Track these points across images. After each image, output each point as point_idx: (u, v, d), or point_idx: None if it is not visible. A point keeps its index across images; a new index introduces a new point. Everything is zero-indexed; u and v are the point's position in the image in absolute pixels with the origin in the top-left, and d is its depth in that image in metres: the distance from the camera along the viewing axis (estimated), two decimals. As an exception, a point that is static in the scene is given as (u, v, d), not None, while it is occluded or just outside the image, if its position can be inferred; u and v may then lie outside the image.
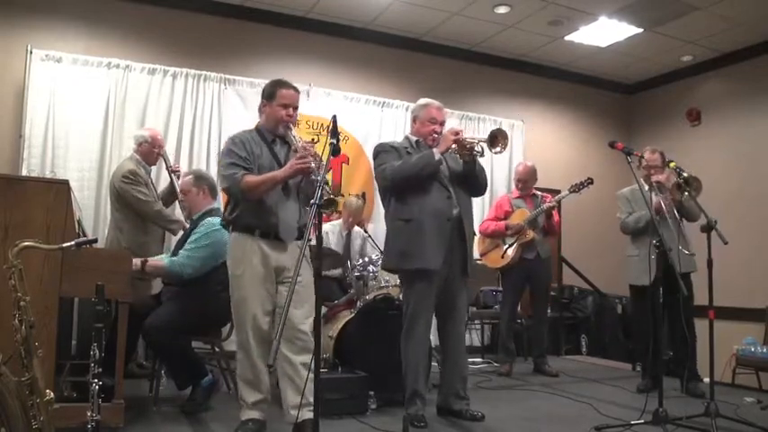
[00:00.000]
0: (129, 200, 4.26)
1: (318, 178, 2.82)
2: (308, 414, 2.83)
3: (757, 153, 6.55)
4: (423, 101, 3.59)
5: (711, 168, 6.49)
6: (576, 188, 5.06)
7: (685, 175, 3.76)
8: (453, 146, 3.34)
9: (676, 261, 3.90)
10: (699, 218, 3.96)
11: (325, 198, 2.39)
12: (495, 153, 3.39)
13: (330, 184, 4.81)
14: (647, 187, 4.09)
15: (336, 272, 4.88)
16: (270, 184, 2.90)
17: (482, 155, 3.40)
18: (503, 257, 4.97)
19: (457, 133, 3.35)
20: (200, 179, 3.82)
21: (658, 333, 3.67)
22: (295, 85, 3.12)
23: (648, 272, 3.73)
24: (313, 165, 2.81)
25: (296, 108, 3.08)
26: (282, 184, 2.94)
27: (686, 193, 3.72)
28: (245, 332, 2.92)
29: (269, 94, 3.07)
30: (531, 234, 4.91)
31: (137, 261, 3.40)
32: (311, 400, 2.79)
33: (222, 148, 3.10)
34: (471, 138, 3.41)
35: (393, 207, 3.44)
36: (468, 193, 3.54)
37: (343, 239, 5.11)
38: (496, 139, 3.32)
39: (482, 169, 3.54)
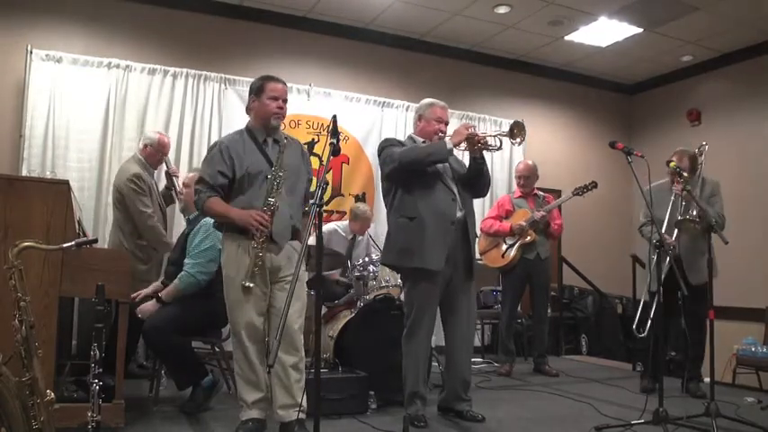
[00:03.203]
0: (128, 204, 4.25)
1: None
2: (294, 415, 2.85)
3: (758, 153, 6.55)
4: (428, 100, 3.58)
5: (712, 169, 6.46)
6: (580, 191, 5.07)
7: (686, 175, 3.75)
8: (464, 142, 3.32)
9: (691, 269, 3.87)
10: (712, 221, 3.92)
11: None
12: (517, 144, 3.43)
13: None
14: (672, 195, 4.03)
15: (337, 272, 4.87)
16: (223, 218, 2.94)
17: (500, 148, 3.41)
18: (503, 257, 4.97)
19: (469, 128, 3.34)
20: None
21: (659, 334, 3.66)
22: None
23: (659, 278, 3.70)
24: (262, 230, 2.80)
25: (285, 101, 3.06)
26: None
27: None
28: (241, 333, 2.91)
29: (257, 89, 3.04)
30: (532, 235, 4.91)
31: (149, 296, 3.48)
32: (299, 401, 2.81)
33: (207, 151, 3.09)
34: (484, 133, 3.41)
35: (398, 203, 3.40)
36: (471, 194, 3.53)
37: (348, 242, 5.09)
38: (514, 131, 3.35)
39: (487, 169, 3.53)
